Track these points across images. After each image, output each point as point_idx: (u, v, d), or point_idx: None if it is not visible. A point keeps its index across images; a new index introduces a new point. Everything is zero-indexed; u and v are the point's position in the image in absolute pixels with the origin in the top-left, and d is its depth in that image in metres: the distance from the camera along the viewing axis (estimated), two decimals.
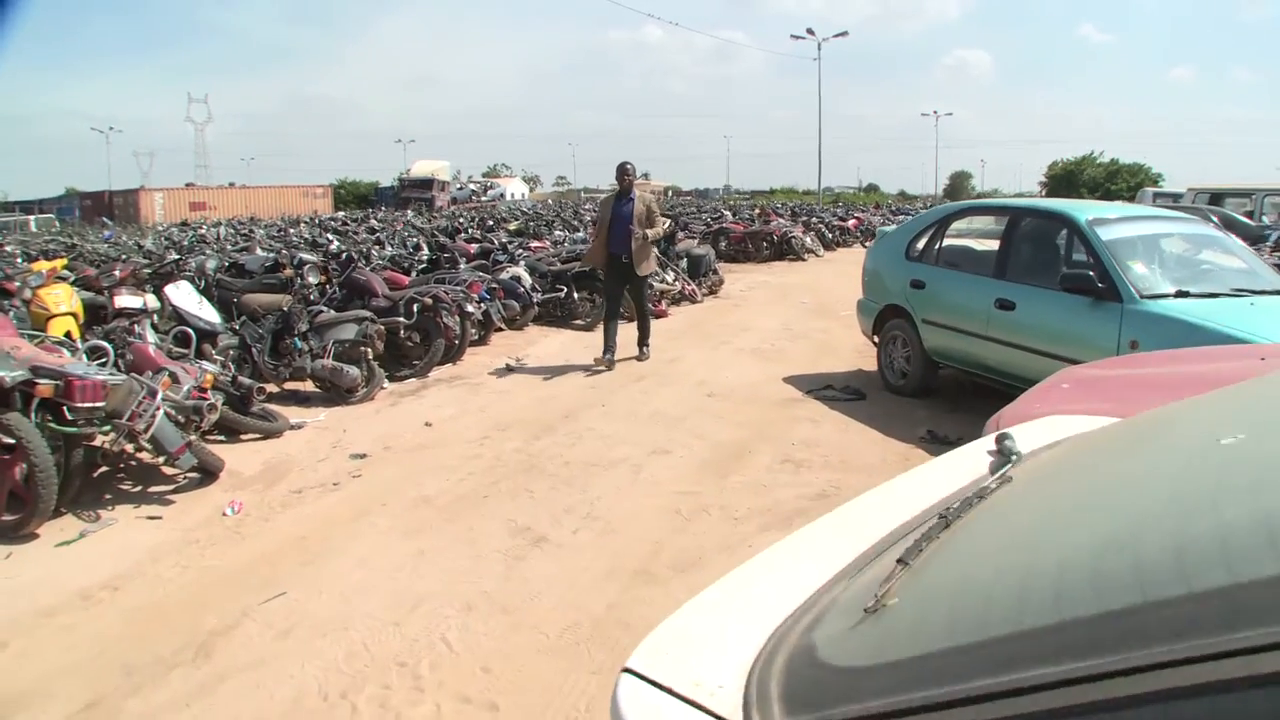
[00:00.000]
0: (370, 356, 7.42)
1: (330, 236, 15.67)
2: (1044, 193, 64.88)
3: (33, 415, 4.51)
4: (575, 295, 11.01)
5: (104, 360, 5.61)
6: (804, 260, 20.24)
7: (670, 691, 1.21)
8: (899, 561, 1.25)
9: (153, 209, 50.36)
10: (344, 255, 9.84)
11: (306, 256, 9.90)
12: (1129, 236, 6.02)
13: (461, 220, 23.79)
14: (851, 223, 26.45)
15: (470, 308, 8.63)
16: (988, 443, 2.10)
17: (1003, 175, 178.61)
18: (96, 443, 5.00)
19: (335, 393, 7.29)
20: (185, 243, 16.64)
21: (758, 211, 27.69)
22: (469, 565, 4.15)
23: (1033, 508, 1.43)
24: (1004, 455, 1.91)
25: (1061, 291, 5.80)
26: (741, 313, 12.32)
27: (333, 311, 7.89)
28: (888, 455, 5.78)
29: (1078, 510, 1.27)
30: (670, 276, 12.71)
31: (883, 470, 5.46)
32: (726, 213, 27.56)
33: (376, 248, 12.65)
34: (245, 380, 6.26)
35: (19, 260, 11.09)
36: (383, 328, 7.55)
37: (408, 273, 10.41)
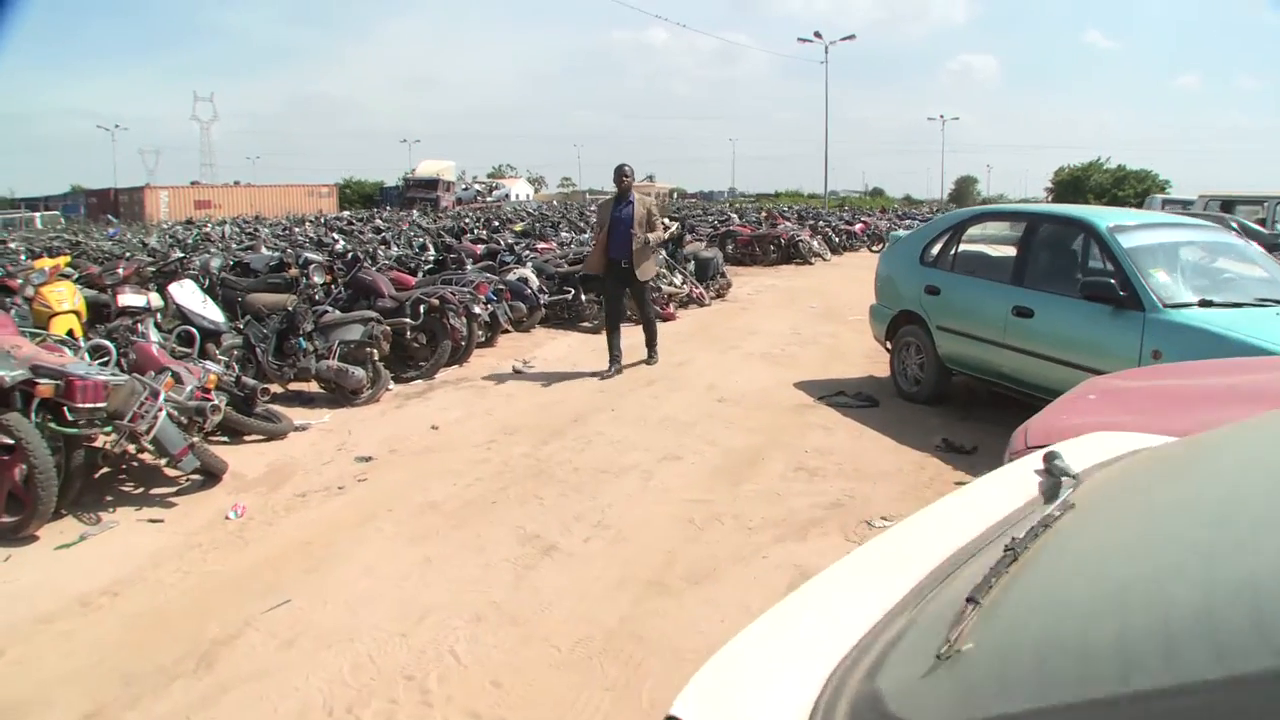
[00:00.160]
0: (376, 358, 7.32)
1: (336, 236, 15.61)
2: (1050, 198, 64.70)
3: (33, 415, 4.42)
4: (583, 297, 10.90)
5: (106, 359, 5.53)
6: (811, 264, 20.11)
7: None
8: (969, 600, 1.14)
9: (158, 207, 50.37)
10: (350, 255, 9.75)
11: (312, 256, 9.83)
12: (1150, 244, 5.91)
13: (467, 221, 23.70)
14: (858, 227, 26.33)
15: (477, 309, 8.52)
16: (1033, 461, 2.00)
17: (1008, 181, 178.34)
18: (98, 444, 4.92)
19: (340, 394, 7.19)
20: (190, 241, 16.57)
21: (764, 215, 27.56)
22: (477, 574, 4.04)
23: (1112, 542, 1.32)
24: (1055, 475, 1.81)
25: (1081, 299, 5.69)
26: (750, 316, 12.21)
27: (338, 312, 7.80)
28: (902, 464, 5.68)
29: (1170, 548, 1.16)
30: (678, 279, 12.61)
31: (898, 479, 5.37)
32: (733, 216, 27.41)
33: (382, 248, 12.58)
34: (249, 381, 6.17)
35: (23, 257, 11.03)
36: (388, 329, 7.45)
37: (414, 273, 10.33)
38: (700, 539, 4.46)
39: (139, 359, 5.58)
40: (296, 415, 6.62)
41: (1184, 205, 22.44)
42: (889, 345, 7.70)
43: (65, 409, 4.49)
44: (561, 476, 5.38)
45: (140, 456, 5.32)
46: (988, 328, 6.41)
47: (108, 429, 4.75)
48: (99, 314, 7.38)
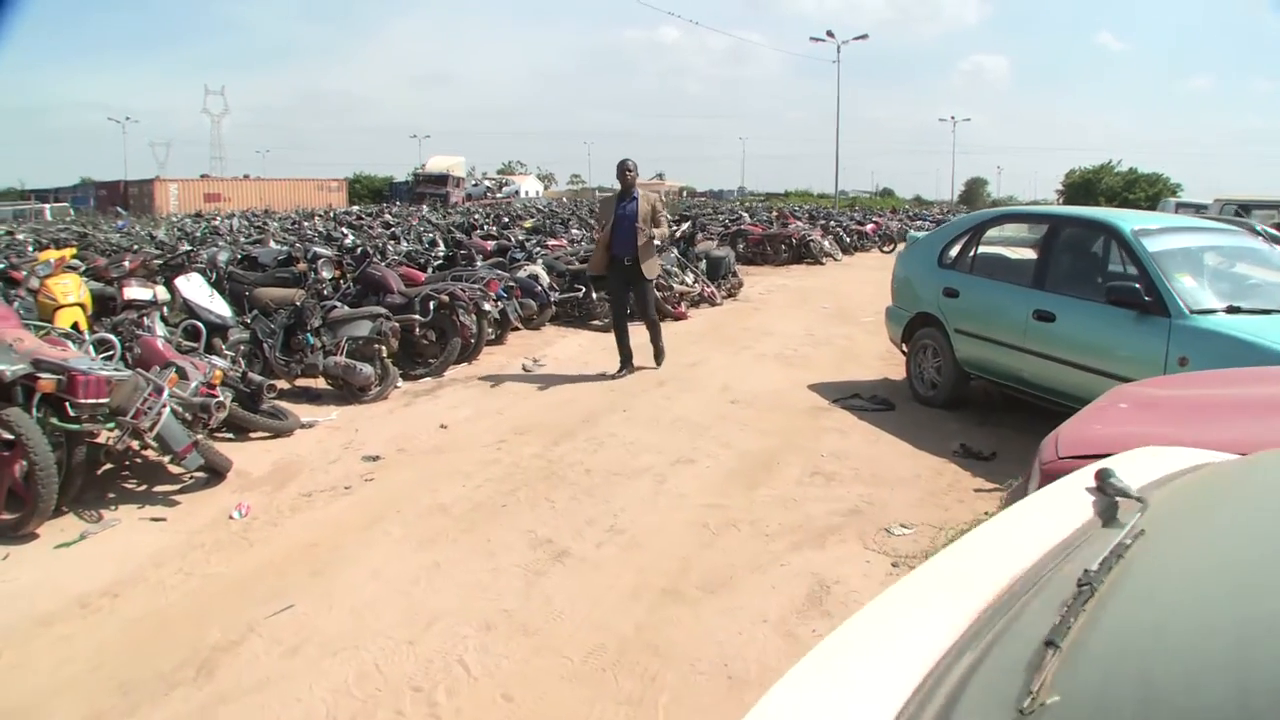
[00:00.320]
0: (384, 354, 7.23)
1: (345, 231, 15.49)
2: (1061, 201, 64.41)
3: (34, 411, 4.32)
4: (594, 295, 10.78)
5: (111, 354, 5.43)
6: (822, 264, 19.99)
7: None
8: (1048, 644, 1.02)
9: (167, 199, 50.38)
10: (359, 250, 9.66)
11: (321, 250, 9.71)
12: (1175, 248, 5.78)
13: (477, 217, 23.60)
14: (870, 227, 26.15)
15: (487, 306, 8.42)
16: (1083, 477, 1.88)
17: (1018, 182, 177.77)
18: (100, 440, 4.82)
19: (348, 391, 7.09)
20: (198, 234, 16.47)
21: (775, 214, 27.41)
22: (487, 580, 3.93)
23: (1202, 574, 1.19)
24: (1109, 494, 1.68)
25: (1105, 304, 5.56)
26: (762, 316, 12.09)
27: (347, 307, 7.70)
28: (920, 469, 5.55)
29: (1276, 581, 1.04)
30: (690, 278, 12.49)
31: (916, 485, 5.25)
32: (744, 214, 27.25)
33: (392, 243, 12.46)
34: (255, 377, 6.07)
35: (30, 249, 10.95)
36: (397, 325, 7.35)
37: (423, 269, 10.21)
38: (716, 545, 4.35)
39: (144, 353, 5.48)
40: (303, 412, 6.52)
41: (1198, 209, 22.25)
42: (905, 348, 7.57)
43: (67, 404, 4.40)
44: (573, 479, 5.26)
45: (144, 453, 5.23)
46: (1007, 331, 6.28)
47: (110, 425, 4.65)
48: (105, 307, 7.28)
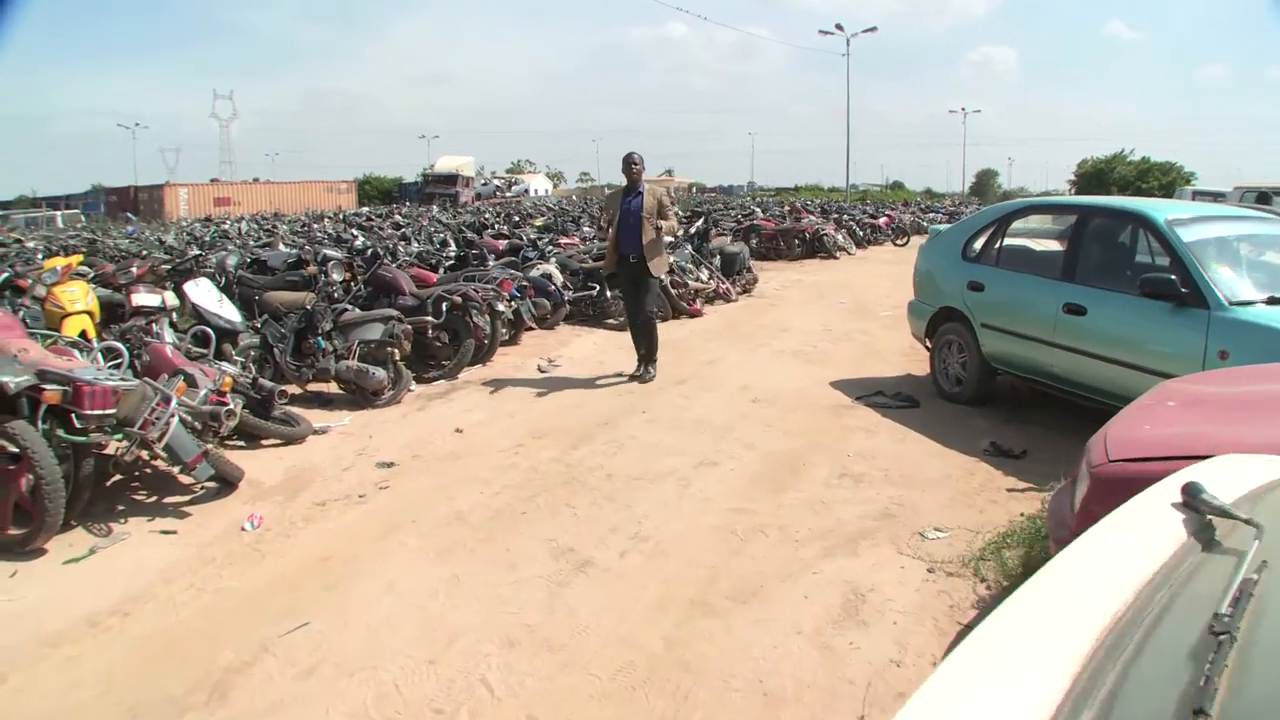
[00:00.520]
0: (397, 357, 7.09)
1: (355, 232, 15.37)
2: (1073, 191, 64.00)
3: (40, 423, 4.20)
4: (608, 294, 10.62)
5: (119, 362, 5.31)
6: (836, 259, 19.79)
7: None
8: (1198, 714, 0.86)
9: (178, 204, 50.45)
10: (369, 251, 9.51)
11: (331, 253, 9.56)
12: (1211, 238, 5.58)
13: (488, 216, 23.49)
14: (882, 220, 25.93)
15: (501, 306, 8.26)
16: (1166, 492, 1.72)
17: (1029, 173, 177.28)
18: (109, 451, 4.70)
19: (360, 395, 6.96)
20: (207, 238, 16.39)
21: (788, 209, 27.20)
22: (508, 593, 3.78)
23: None
24: (1201, 512, 1.53)
25: (1139, 296, 5.38)
26: (778, 312, 11.92)
27: (358, 310, 7.55)
28: (950, 469, 5.39)
29: None
30: (704, 275, 12.33)
31: (947, 486, 5.09)
32: (757, 210, 27.06)
33: (403, 244, 12.32)
34: (266, 383, 5.94)
35: (40, 256, 10.85)
36: (410, 327, 7.21)
37: (435, 270, 10.08)
38: (744, 552, 4.19)
39: (152, 361, 5.37)
40: (315, 418, 6.39)
41: (1215, 197, 21.98)
42: (929, 343, 7.40)
43: (73, 416, 4.27)
44: (594, 484, 5.12)
45: (154, 463, 5.11)
46: (1036, 325, 6.11)
47: (118, 436, 4.53)
48: (113, 314, 7.18)
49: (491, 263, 10.81)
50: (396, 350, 7.05)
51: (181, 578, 4.00)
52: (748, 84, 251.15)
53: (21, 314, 6.06)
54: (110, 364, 5.32)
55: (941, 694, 1.10)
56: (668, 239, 8.72)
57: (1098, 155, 68.35)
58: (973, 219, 7.79)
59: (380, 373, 6.87)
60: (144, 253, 11.46)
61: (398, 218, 24.48)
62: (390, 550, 4.24)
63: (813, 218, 22.49)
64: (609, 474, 5.27)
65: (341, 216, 27.72)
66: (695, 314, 11.26)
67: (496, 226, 17.86)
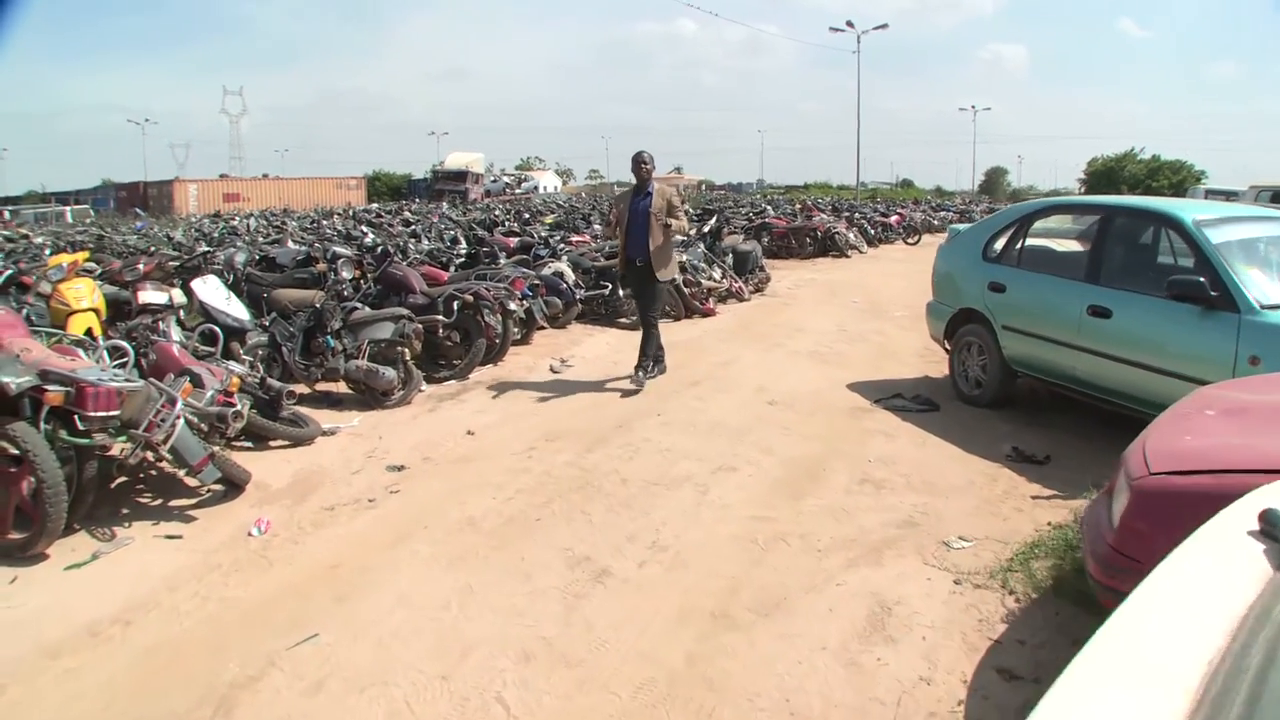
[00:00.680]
0: (408, 357, 6.97)
1: (365, 229, 15.26)
2: (1083, 190, 63.69)
3: (42, 424, 4.09)
4: (620, 293, 10.47)
5: (125, 361, 5.20)
6: (848, 257, 19.64)
7: None
8: None
9: (187, 200, 50.42)
10: (379, 249, 9.40)
11: (340, 250, 9.47)
12: (1240, 239, 5.44)
13: (498, 213, 23.40)
14: (894, 219, 25.72)
15: (513, 305, 8.13)
16: (1239, 518, 1.59)
17: (1039, 171, 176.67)
18: (113, 452, 4.58)
19: (370, 395, 6.84)
20: (216, 234, 16.30)
21: (799, 206, 27.03)
22: (523, 604, 3.66)
23: None
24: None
25: (1166, 299, 5.23)
26: (792, 312, 11.77)
27: (368, 309, 7.44)
28: (973, 475, 5.25)
29: None
30: (717, 273, 12.19)
31: (970, 493, 4.96)
32: (768, 208, 26.86)
33: (413, 241, 12.20)
34: (274, 383, 5.83)
35: (47, 252, 10.76)
36: (420, 326, 7.09)
37: (446, 268, 9.96)
38: (765, 562, 4.06)
39: (159, 360, 5.26)
40: (324, 418, 6.27)
41: (1228, 196, 21.75)
42: (947, 345, 7.26)
43: (76, 417, 4.16)
44: (609, 489, 4.99)
45: (159, 464, 5.00)
46: (1059, 328, 5.97)
47: (122, 438, 4.42)
48: (120, 311, 7.06)
49: (503, 261, 10.69)
50: (407, 350, 6.93)
51: (186, 585, 3.89)
52: (757, 81, 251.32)
53: (26, 311, 5.95)
54: (116, 363, 5.23)
55: None
56: (678, 239, 8.53)
57: (1108, 154, 68.03)
58: (993, 219, 7.63)
59: (390, 373, 6.76)
60: (152, 249, 11.40)
61: (407, 214, 24.38)
62: (401, 558, 4.12)
63: (824, 216, 22.32)
64: (624, 479, 5.14)
65: (351, 213, 27.61)
66: (708, 313, 11.12)
67: (507, 224, 17.72)
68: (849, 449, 5.73)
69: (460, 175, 57.74)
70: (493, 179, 65.48)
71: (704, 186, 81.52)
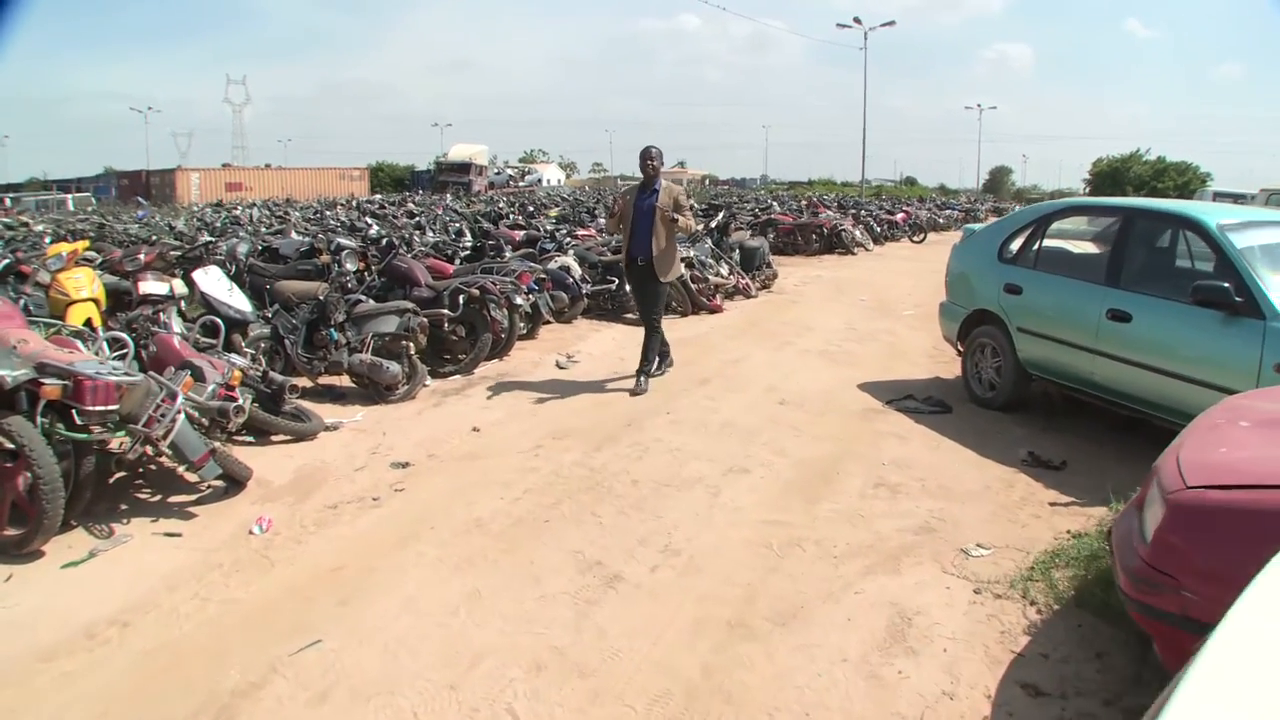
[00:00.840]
0: (412, 351, 6.85)
1: (369, 220, 15.11)
2: (1088, 190, 63.55)
3: (38, 419, 3.97)
4: (627, 288, 10.33)
5: (124, 352, 5.10)
6: (854, 254, 19.50)
7: None
8: None
9: (189, 189, 50.23)
10: (384, 241, 9.26)
11: (344, 241, 9.33)
12: (1264, 244, 5.32)
13: (502, 205, 23.25)
14: (900, 217, 25.58)
15: (519, 300, 8.00)
16: None
17: (1043, 171, 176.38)
18: (111, 447, 4.48)
19: (374, 390, 6.73)
20: (218, 224, 16.16)
21: (805, 203, 26.88)
22: (533, 610, 3.55)
23: None
24: None
25: (1188, 304, 5.12)
26: (800, 310, 11.65)
27: (372, 301, 7.33)
28: (989, 480, 5.15)
29: None
30: (724, 269, 12.07)
31: (986, 498, 4.86)
32: (774, 204, 26.70)
33: (418, 233, 12.06)
34: (277, 376, 5.72)
35: (48, 240, 10.65)
36: (425, 320, 6.98)
37: (451, 260, 9.83)
38: (781, 569, 3.96)
39: (159, 352, 5.15)
40: (327, 413, 6.16)
41: (1236, 199, 21.64)
42: (960, 346, 7.14)
43: (74, 411, 4.05)
44: (619, 490, 4.88)
45: (158, 459, 4.89)
46: (1077, 332, 5.85)
47: (121, 433, 4.31)
48: (120, 302, 6.96)
49: (508, 254, 10.56)
50: (412, 344, 6.82)
51: (185, 585, 3.79)
52: (762, 77, 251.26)
53: (24, 301, 5.86)
54: (115, 354, 5.12)
55: None
56: (683, 238, 8.36)
57: (1113, 154, 67.79)
58: (1009, 219, 7.50)
59: (395, 367, 6.65)
60: (153, 238, 11.25)
61: (411, 206, 24.23)
62: (407, 561, 4.01)
63: (831, 213, 22.19)
64: (635, 480, 5.03)
65: (354, 204, 27.46)
66: (716, 310, 11.01)
67: (512, 216, 17.59)
68: (862, 451, 5.62)
69: (464, 167, 57.55)
70: (496, 171, 65.40)
71: (707, 181, 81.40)
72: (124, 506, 4.62)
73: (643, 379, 7.22)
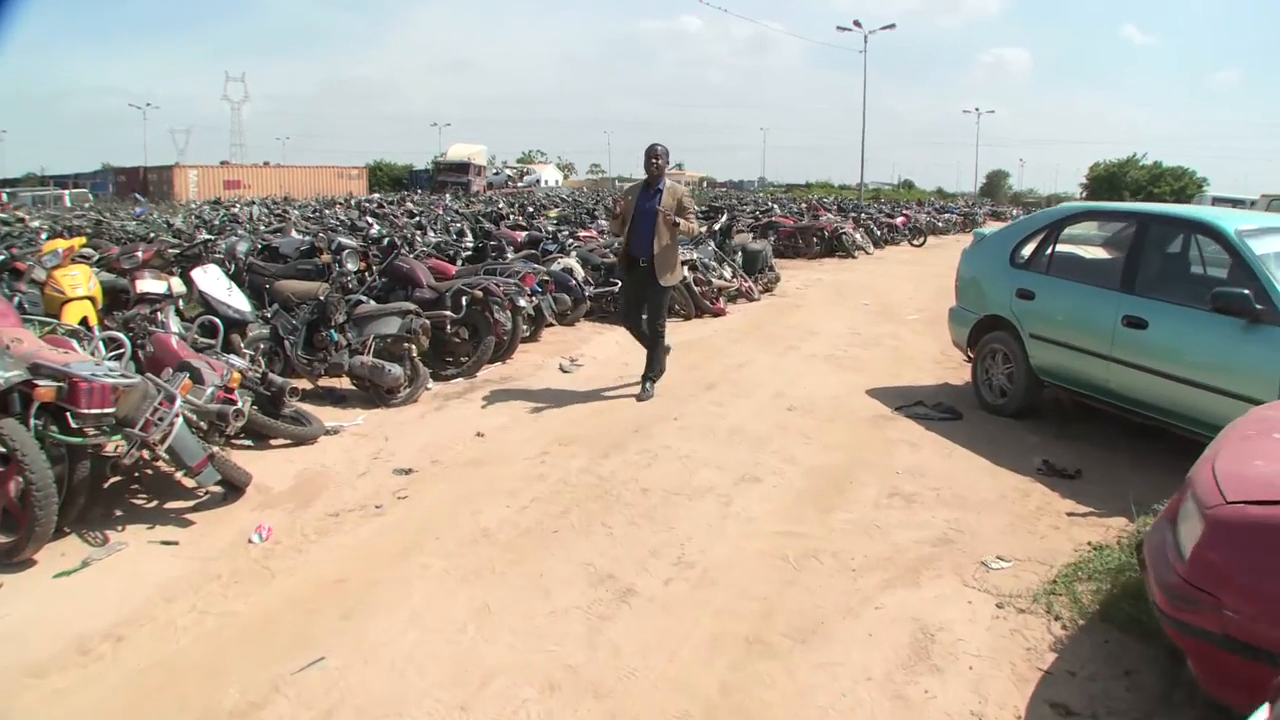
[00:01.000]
0: (414, 353, 6.72)
1: (370, 220, 14.97)
2: (1085, 195, 63.52)
3: (31, 422, 3.84)
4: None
5: (121, 352, 4.97)
6: (854, 258, 19.41)
7: None
8: None
9: (187, 186, 50.03)
10: (385, 241, 9.12)
11: (345, 241, 9.19)
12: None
13: (501, 206, 23.11)
14: (899, 220, 25.49)
15: (523, 302, 7.88)
16: None
17: (1040, 175, 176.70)
18: (107, 451, 4.34)
19: (375, 393, 6.60)
20: (216, 222, 16.01)
21: (806, 206, 26.80)
22: (544, 626, 3.43)
23: None
24: None
25: (1207, 311, 5.02)
26: (803, 314, 11.54)
27: (373, 302, 7.19)
28: (1004, 489, 5.05)
29: None
30: (727, 272, 11.96)
31: (1002, 508, 4.76)
32: (775, 206, 26.60)
33: (419, 233, 11.92)
34: (276, 379, 5.58)
35: (44, 237, 10.51)
36: (428, 322, 6.84)
37: (453, 261, 9.71)
38: (798, 582, 3.84)
39: (157, 352, 5.03)
40: (327, 416, 6.03)
41: (1235, 204, 21.57)
42: (970, 352, 7.03)
43: (69, 414, 3.92)
44: (629, 499, 4.75)
45: (155, 463, 4.75)
46: (1092, 338, 5.75)
47: (117, 436, 4.18)
48: (117, 300, 6.83)
49: (510, 255, 10.43)
50: (414, 346, 6.68)
51: (182, 596, 3.66)
52: (762, 79, 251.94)
53: (18, 299, 5.73)
54: (112, 354, 4.98)
55: None
56: (684, 240, 8.23)
57: (1109, 159, 67.72)
58: (1021, 224, 7.39)
59: (396, 369, 6.52)
60: (151, 236, 11.11)
61: (410, 205, 24.09)
62: (412, 573, 3.88)
63: (831, 216, 22.10)
64: (644, 488, 4.91)
65: (353, 203, 27.32)
66: (719, 313, 10.91)
67: (513, 217, 17.46)
68: (874, 459, 5.51)
69: (463, 167, 57.38)
70: (495, 171, 65.28)
71: (705, 184, 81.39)
72: (119, 513, 4.48)
73: (649, 385, 7.06)
